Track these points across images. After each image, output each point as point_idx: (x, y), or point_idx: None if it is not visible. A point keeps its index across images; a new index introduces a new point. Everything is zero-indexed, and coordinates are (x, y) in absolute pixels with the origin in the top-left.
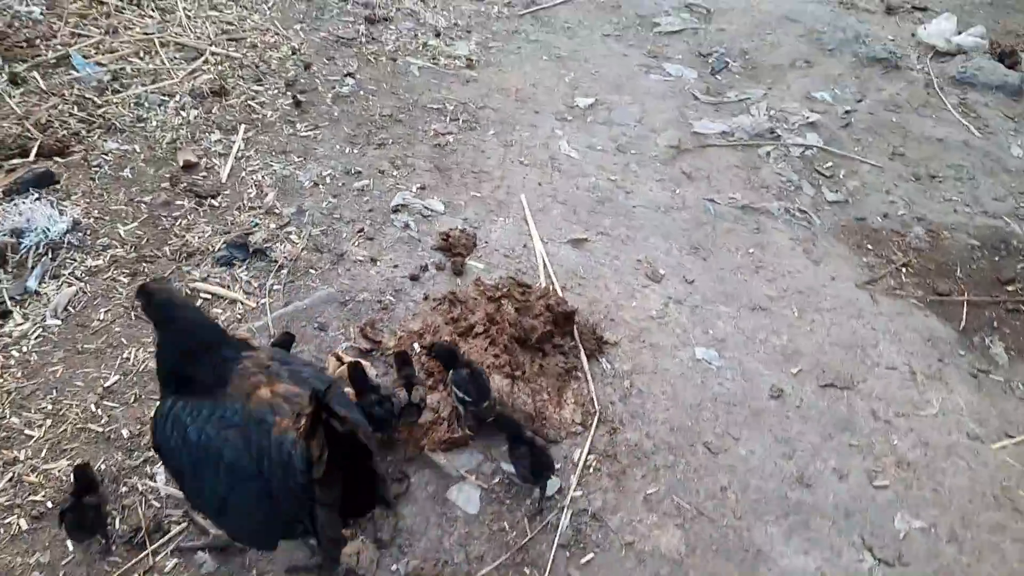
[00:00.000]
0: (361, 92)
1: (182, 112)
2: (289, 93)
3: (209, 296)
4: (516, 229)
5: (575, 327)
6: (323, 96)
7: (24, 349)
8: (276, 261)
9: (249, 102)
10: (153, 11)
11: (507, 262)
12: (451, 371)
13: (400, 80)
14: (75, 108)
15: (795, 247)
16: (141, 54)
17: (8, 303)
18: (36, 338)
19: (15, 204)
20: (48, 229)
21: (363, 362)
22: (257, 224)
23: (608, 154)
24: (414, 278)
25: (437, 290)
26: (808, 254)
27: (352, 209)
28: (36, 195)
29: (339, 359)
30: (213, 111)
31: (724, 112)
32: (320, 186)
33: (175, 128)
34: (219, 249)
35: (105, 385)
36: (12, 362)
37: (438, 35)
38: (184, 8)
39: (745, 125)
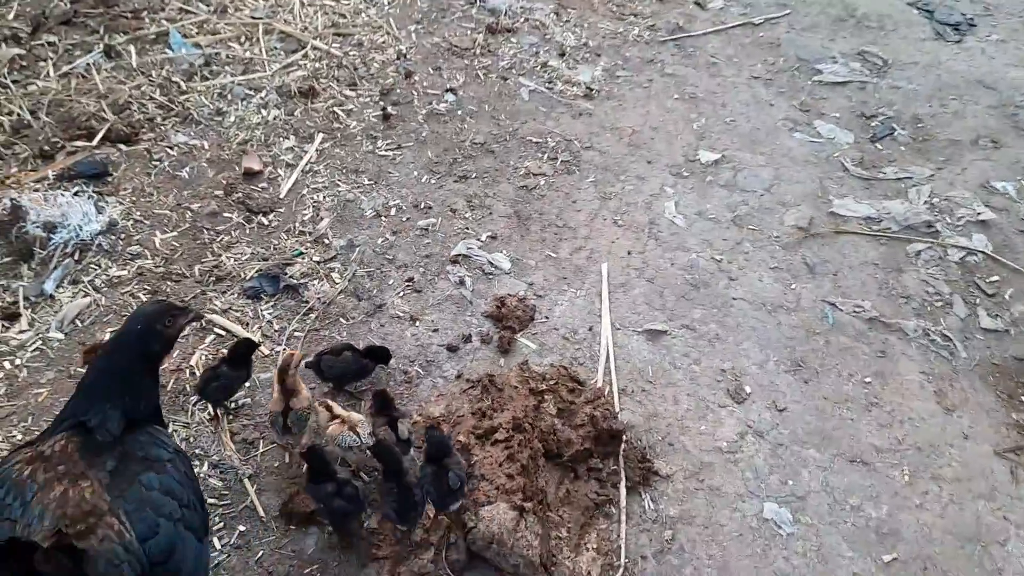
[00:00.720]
0: (459, 112)
1: (263, 110)
2: (381, 104)
3: (224, 332)
4: (586, 306)
5: (621, 449)
6: (416, 111)
7: (17, 361)
8: (307, 302)
9: (335, 108)
10: None
11: (564, 346)
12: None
13: (505, 103)
14: (158, 91)
15: (925, 384)
16: (242, 39)
17: (21, 304)
18: (33, 350)
19: (54, 195)
20: (81, 227)
21: (319, 446)
22: (301, 253)
23: (720, 226)
24: (452, 349)
25: (475, 368)
26: (940, 397)
27: (408, 252)
28: (77, 188)
29: (330, 411)
30: (295, 114)
31: (875, 191)
32: (382, 218)
33: (251, 128)
34: (250, 278)
35: None
36: (1, 374)
37: (562, 55)
38: None
39: (897, 212)
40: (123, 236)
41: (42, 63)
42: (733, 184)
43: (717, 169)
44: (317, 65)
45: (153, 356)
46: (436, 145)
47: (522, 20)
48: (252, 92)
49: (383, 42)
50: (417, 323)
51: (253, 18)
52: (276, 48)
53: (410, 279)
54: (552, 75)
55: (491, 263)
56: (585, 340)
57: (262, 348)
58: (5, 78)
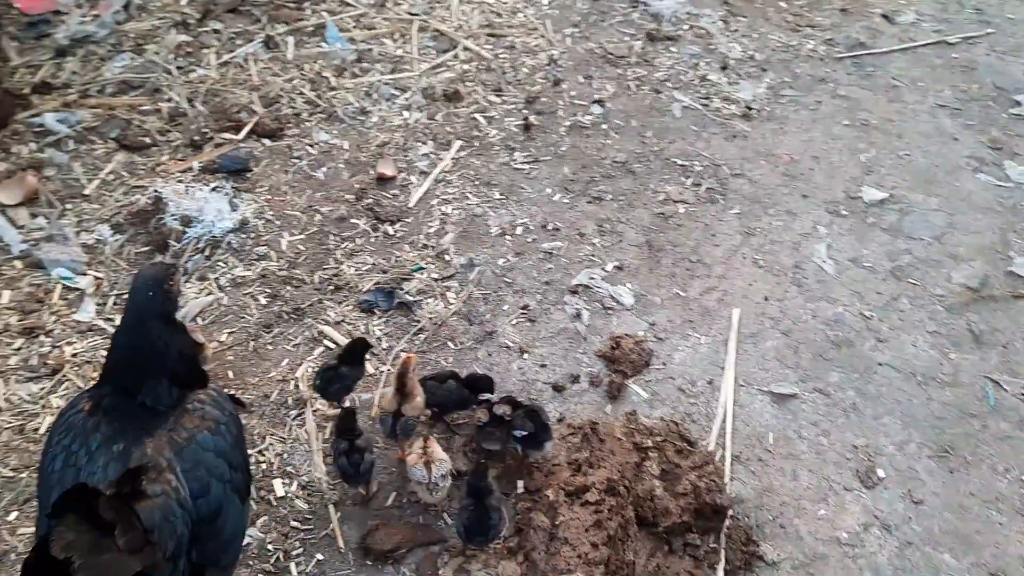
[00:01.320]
0: (603, 126)
1: (406, 112)
2: (524, 112)
3: (333, 345)
4: (709, 355)
5: (724, 526)
6: (559, 122)
7: None
8: (419, 321)
9: (477, 114)
10: None
11: (679, 399)
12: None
13: (654, 119)
14: (309, 86)
15: None
16: (396, 36)
17: None
18: None
19: (194, 189)
20: (214, 224)
21: (357, 409)
22: (421, 268)
23: (875, 276)
24: (558, 389)
25: (579, 413)
26: None
27: (528, 276)
28: (217, 183)
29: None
30: (436, 118)
31: None
32: (507, 237)
33: (392, 130)
34: (367, 290)
35: None
36: None
37: (724, 68)
38: None
39: None
40: (252, 235)
41: (205, 50)
42: (898, 229)
43: (881, 210)
44: (466, 67)
45: (170, 316)
46: (574, 161)
47: (686, 27)
48: (398, 92)
49: (536, 45)
50: (525, 356)
51: (410, 14)
52: (428, 47)
53: (525, 307)
54: (710, 90)
55: (612, 296)
56: (702, 394)
57: (367, 366)
58: (170, 64)
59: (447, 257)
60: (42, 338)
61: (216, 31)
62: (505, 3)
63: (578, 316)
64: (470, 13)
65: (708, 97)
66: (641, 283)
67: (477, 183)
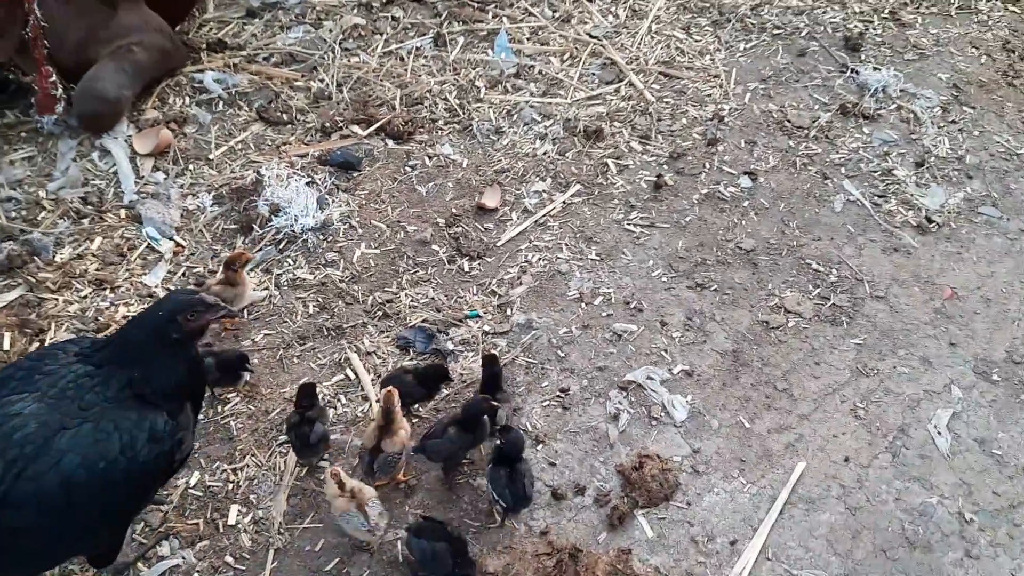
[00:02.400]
0: (745, 203)
1: (539, 141)
2: (663, 167)
3: (353, 376)
4: (746, 509)
5: None
6: (694, 188)
7: None
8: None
9: (611, 159)
10: (625, 9)
11: (687, 551)
12: (490, 465)
13: (808, 208)
14: (456, 93)
15: None
16: (565, 56)
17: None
18: None
19: (291, 179)
20: (297, 218)
21: (315, 384)
22: (477, 316)
23: (1001, 471)
24: (557, 496)
25: (568, 532)
26: None
27: (585, 355)
28: (321, 175)
29: (342, 487)
30: (567, 154)
31: None
32: (582, 304)
33: (517, 157)
34: (411, 326)
35: None
36: None
37: (920, 165)
38: (666, 13)
39: None
40: (330, 239)
41: (377, 36)
42: None
43: None
44: (621, 104)
45: (171, 342)
46: (694, 236)
47: (892, 107)
48: (540, 118)
49: (708, 95)
50: (539, 447)
51: (590, 36)
52: (592, 75)
53: (565, 390)
54: (889, 187)
55: (664, 406)
56: (717, 554)
57: (373, 410)
58: (337, 44)
59: (509, 311)
60: (107, 292)
61: (394, 18)
62: (697, 41)
63: (615, 418)
64: (653, 46)
65: (884, 195)
66: (705, 398)
67: (578, 236)
